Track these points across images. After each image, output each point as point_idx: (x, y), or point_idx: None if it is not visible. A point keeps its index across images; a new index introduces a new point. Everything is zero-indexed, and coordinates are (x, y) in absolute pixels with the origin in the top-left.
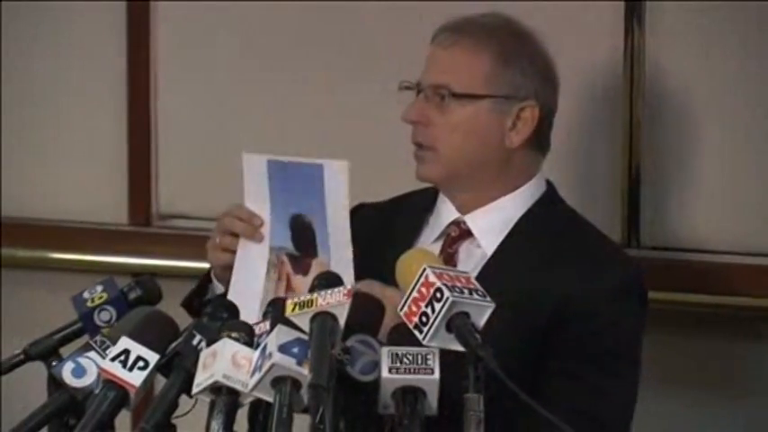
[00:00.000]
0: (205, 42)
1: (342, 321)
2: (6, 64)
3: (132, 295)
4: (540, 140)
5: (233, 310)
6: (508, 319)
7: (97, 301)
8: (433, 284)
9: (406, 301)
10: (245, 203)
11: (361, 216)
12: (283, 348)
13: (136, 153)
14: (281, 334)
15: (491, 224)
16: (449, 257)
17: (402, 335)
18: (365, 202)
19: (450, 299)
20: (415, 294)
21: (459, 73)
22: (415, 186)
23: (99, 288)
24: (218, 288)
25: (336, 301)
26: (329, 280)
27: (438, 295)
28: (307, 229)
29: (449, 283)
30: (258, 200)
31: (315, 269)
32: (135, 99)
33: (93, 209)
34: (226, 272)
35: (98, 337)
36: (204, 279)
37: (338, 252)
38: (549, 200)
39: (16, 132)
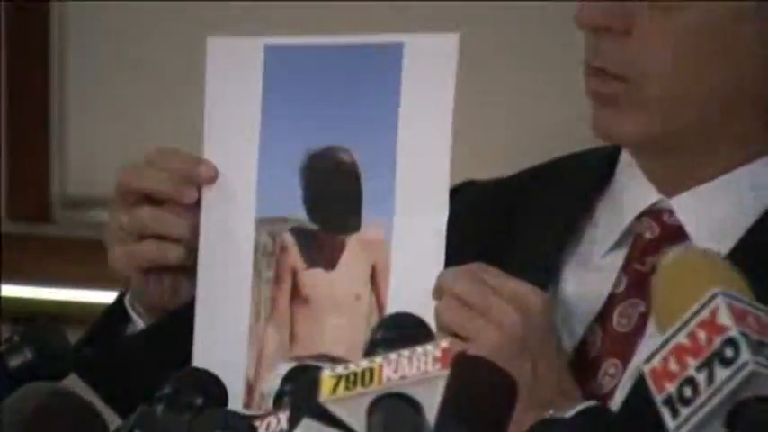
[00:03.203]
0: None
1: (431, 414)
2: None
3: (14, 361)
4: None
5: (210, 385)
6: None
7: None
8: (723, 329)
9: (662, 348)
10: (205, 148)
11: (468, 200)
12: None
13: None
14: None
15: (720, 217)
16: (640, 281)
17: None
18: (474, 180)
19: (750, 366)
20: (682, 340)
21: None
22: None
23: None
24: (137, 324)
25: (421, 373)
26: (403, 327)
27: (728, 354)
28: (343, 177)
29: (752, 333)
30: (232, 132)
31: (353, 256)
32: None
33: None
34: (155, 289)
35: None
36: (110, 313)
37: (414, 216)
38: None
39: None
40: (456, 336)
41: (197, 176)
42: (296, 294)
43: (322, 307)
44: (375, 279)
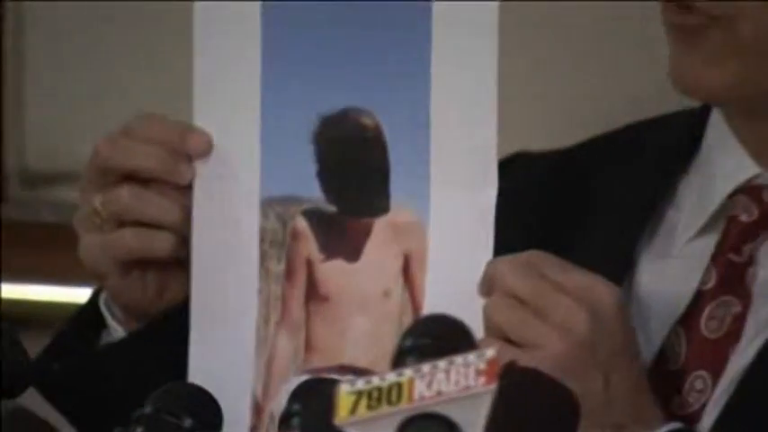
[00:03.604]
0: None
1: None
2: None
3: None
4: None
5: (200, 403)
6: None
7: None
8: None
9: None
10: (196, 116)
11: (520, 175)
12: None
13: None
14: None
15: None
16: (735, 274)
17: None
18: (528, 151)
19: None
20: None
21: None
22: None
23: None
24: (116, 331)
25: (461, 389)
26: (439, 333)
27: None
28: (365, 145)
29: None
30: (228, 96)
31: (381, 244)
32: None
33: None
34: (137, 288)
35: None
36: (81, 317)
37: (455, 193)
38: None
39: None
40: (509, 342)
41: (188, 148)
42: (312, 292)
43: (344, 307)
44: (408, 272)
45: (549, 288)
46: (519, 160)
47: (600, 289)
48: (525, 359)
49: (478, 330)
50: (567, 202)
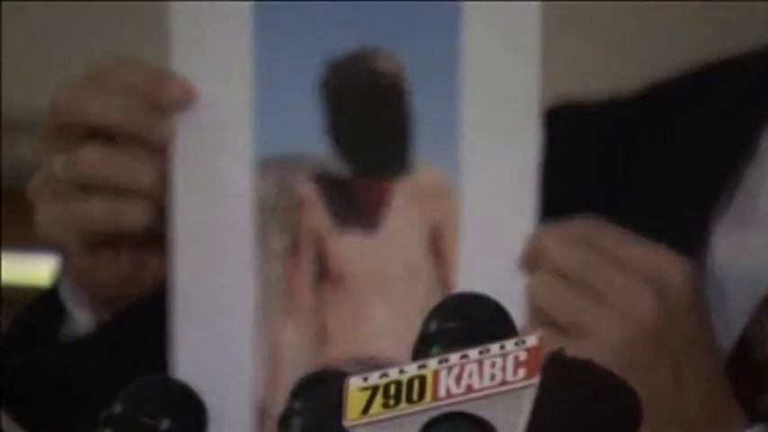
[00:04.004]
0: None
1: None
2: None
3: None
4: None
5: (180, 400)
6: None
7: None
8: None
9: None
10: (173, 59)
11: (568, 127)
12: None
13: None
14: None
15: None
16: None
17: None
18: (576, 100)
19: None
20: None
21: None
22: None
23: None
24: (80, 322)
25: (497, 384)
26: (470, 316)
27: None
28: (384, 93)
29: None
30: (212, 34)
31: (405, 212)
32: None
33: None
34: (107, 269)
35: None
36: (39, 304)
37: (491, 150)
38: None
39: None
40: (557, 327)
41: (167, 99)
42: (322, 272)
43: (362, 288)
44: (437, 244)
45: (606, 263)
46: (564, 111)
47: (668, 265)
48: (576, 348)
49: (521, 313)
50: (625, 162)
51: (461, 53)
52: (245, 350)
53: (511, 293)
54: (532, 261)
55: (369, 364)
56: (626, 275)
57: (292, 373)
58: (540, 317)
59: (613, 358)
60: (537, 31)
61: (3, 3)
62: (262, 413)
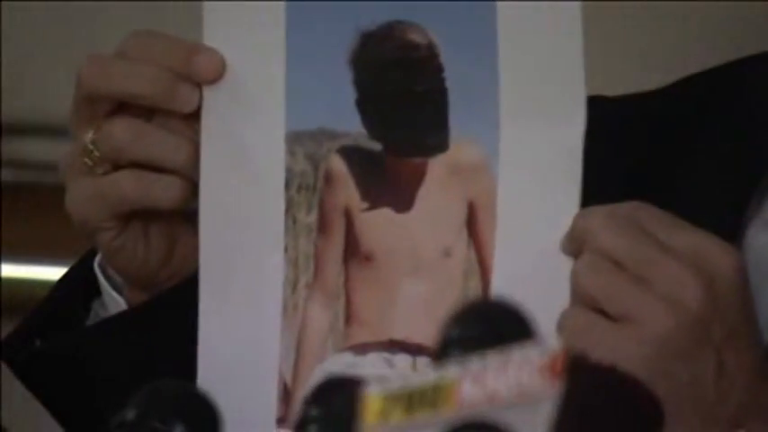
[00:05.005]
0: None
1: None
2: None
3: None
4: None
5: (193, 406)
6: None
7: None
8: None
9: None
10: (205, 32)
11: (602, 116)
12: None
13: None
14: None
15: None
16: None
17: None
18: (605, 96)
19: None
20: None
21: None
22: None
23: None
24: (115, 303)
25: (519, 390)
26: (493, 320)
27: None
28: (418, 67)
29: None
30: (244, 7)
31: (439, 190)
32: None
33: None
34: (138, 248)
35: None
36: (68, 284)
37: (531, 127)
38: None
39: None
40: (601, 313)
41: (196, 71)
42: (352, 250)
43: (393, 268)
44: (473, 224)
45: (653, 249)
46: (600, 102)
47: (716, 252)
48: (621, 336)
49: (561, 298)
50: (653, 162)
51: (498, 26)
52: (272, 328)
53: (552, 278)
54: (577, 244)
55: (398, 347)
56: (674, 263)
57: (319, 353)
58: (584, 301)
59: (657, 347)
60: (579, 4)
61: (3, 3)
62: (286, 393)
